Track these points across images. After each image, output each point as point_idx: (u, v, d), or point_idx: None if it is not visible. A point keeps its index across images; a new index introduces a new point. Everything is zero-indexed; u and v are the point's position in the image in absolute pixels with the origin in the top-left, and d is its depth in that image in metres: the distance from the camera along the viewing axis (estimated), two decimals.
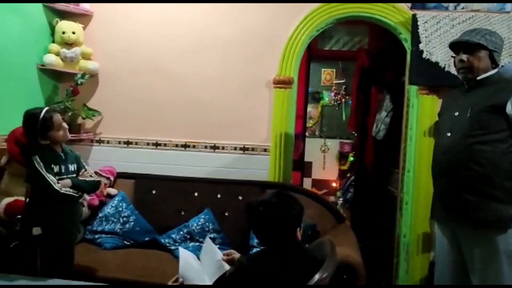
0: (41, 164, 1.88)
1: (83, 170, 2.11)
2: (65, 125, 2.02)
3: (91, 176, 2.11)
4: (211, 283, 1.56)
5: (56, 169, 1.95)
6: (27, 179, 1.97)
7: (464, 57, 1.92)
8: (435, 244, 2.27)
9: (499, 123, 1.83)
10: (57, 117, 1.99)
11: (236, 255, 1.70)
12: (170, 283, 1.64)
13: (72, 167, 2.06)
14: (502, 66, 2.52)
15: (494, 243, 1.83)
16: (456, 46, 1.99)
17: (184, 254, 1.72)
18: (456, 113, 1.97)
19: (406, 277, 2.76)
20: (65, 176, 1.98)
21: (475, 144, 1.86)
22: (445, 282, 2.07)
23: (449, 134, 1.96)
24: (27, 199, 2.01)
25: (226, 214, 2.76)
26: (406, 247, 2.76)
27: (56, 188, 1.87)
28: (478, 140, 1.85)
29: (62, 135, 2.00)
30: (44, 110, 1.97)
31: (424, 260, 2.70)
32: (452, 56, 2.06)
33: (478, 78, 1.92)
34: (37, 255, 1.93)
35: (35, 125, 1.93)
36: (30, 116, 1.96)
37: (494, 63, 1.93)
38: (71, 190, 1.94)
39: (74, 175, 2.05)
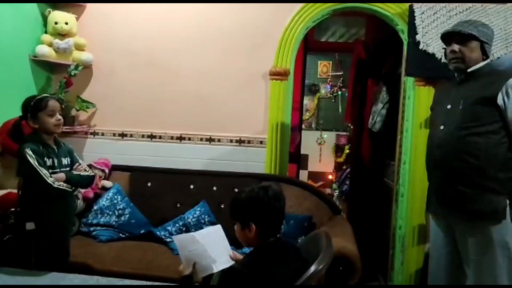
0: (33, 156, 1.83)
1: (77, 164, 2.06)
2: (59, 116, 1.96)
3: (85, 170, 2.06)
4: (218, 265, 1.54)
5: (48, 162, 1.91)
6: (18, 173, 1.92)
7: (456, 47, 1.93)
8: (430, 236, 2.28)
9: (491, 114, 1.84)
10: (53, 103, 1.93)
11: (239, 257, 1.65)
12: (183, 271, 1.59)
13: (65, 161, 2.01)
14: (498, 57, 2.53)
15: (488, 234, 1.85)
16: (448, 37, 2.00)
17: (179, 241, 1.69)
18: (449, 106, 1.98)
19: (401, 269, 2.77)
20: (58, 170, 1.93)
21: (468, 136, 1.87)
22: (440, 274, 2.08)
23: (442, 127, 1.97)
24: (20, 193, 1.98)
25: (222, 207, 2.75)
26: (401, 239, 2.77)
27: (49, 182, 1.82)
28: (471, 132, 1.87)
29: (52, 123, 1.91)
30: (44, 95, 1.98)
31: (420, 252, 2.72)
32: (443, 48, 2.07)
33: (469, 70, 1.94)
34: (31, 250, 1.90)
35: (29, 103, 1.91)
36: (29, 97, 1.98)
37: (485, 55, 1.94)
38: (64, 184, 1.89)
39: (68, 169, 2.00)
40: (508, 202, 1.84)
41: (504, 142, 1.85)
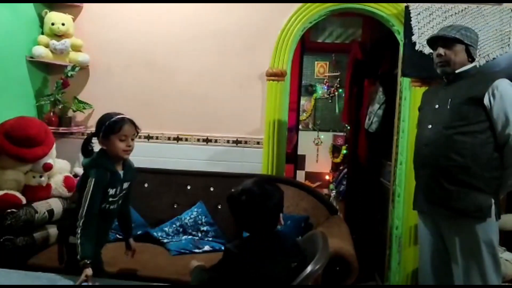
0: (94, 190, 1.73)
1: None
2: (131, 142, 1.84)
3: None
4: None
5: (111, 191, 1.82)
6: (77, 189, 1.88)
7: (441, 51, 1.99)
8: None
9: (478, 114, 1.89)
10: (128, 127, 1.83)
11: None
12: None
13: (125, 185, 1.91)
14: (494, 58, 2.55)
15: (474, 232, 1.89)
16: (434, 43, 2.06)
17: None
18: (437, 106, 2.02)
19: (398, 269, 2.78)
20: (117, 198, 1.87)
21: (455, 135, 1.91)
22: (428, 272, 2.12)
23: (430, 126, 2.01)
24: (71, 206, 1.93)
25: (219, 207, 2.76)
26: (398, 239, 2.78)
27: (79, 222, 1.71)
28: (458, 131, 1.91)
29: (122, 148, 1.80)
30: (122, 115, 1.88)
31: (416, 252, 2.71)
32: (430, 53, 2.11)
33: (457, 71, 1.99)
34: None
35: (105, 122, 1.82)
36: (107, 114, 1.89)
37: (471, 57, 2.00)
38: (80, 243, 1.68)
39: (124, 192, 1.92)
40: (493, 201, 1.88)
41: (491, 142, 1.89)
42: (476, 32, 2.06)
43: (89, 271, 1.66)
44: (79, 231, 1.70)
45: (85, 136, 3.05)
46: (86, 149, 1.87)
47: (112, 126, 1.81)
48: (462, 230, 1.92)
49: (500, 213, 1.93)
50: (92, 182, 1.74)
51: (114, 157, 1.84)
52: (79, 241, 1.69)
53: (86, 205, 1.72)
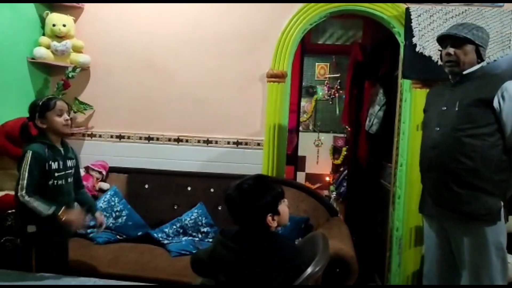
0: (29, 162, 1.80)
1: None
2: (67, 116, 1.93)
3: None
4: None
5: (54, 165, 1.89)
6: (18, 169, 1.90)
7: (451, 50, 1.95)
8: None
9: (487, 116, 1.86)
10: (61, 103, 1.93)
11: None
12: None
13: (70, 163, 2.00)
14: (495, 60, 2.55)
15: (483, 235, 1.86)
16: (443, 40, 2.01)
17: None
18: (444, 108, 1.98)
19: (398, 271, 2.78)
20: (63, 173, 1.93)
21: (464, 138, 1.88)
22: (434, 276, 2.10)
23: (437, 129, 1.98)
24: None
25: (219, 208, 2.76)
26: (398, 241, 2.78)
27: (20, 193, 1.78)
28: (467, 134, 1.88)
29: (61, 123, 1.90)
30: (51, 95, 1.97)
31: (417, 254, 2.72)
32: (439, 50, 2.08)
33: (464, 72, 1.95)
34: (31, 252, 1.89)
35: (38, 103, 1.90)
36: (37, 98, 1.97)
37: (480, 58, 1.96)
38: (36, 203, 1.78)
39: (71, 171, 2.01)
40: (502, 203, 1.86)
41: (499, 144, 1.86)
42: (487, 32, 1.99)
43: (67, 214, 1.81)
44: (27, 199, 1.78)
45: (86, 138, 3.12)
46: (26, 134, 1.94)
47: (47, 104, 1.90)
48: (471, 233, 1.89)
49: (508, 216, 1.91)
50: (30, 154, 1.82)
51: (55, 133, 1.93)
52: (34, 204, 1.78)
53: (26, 175, 1.79)
